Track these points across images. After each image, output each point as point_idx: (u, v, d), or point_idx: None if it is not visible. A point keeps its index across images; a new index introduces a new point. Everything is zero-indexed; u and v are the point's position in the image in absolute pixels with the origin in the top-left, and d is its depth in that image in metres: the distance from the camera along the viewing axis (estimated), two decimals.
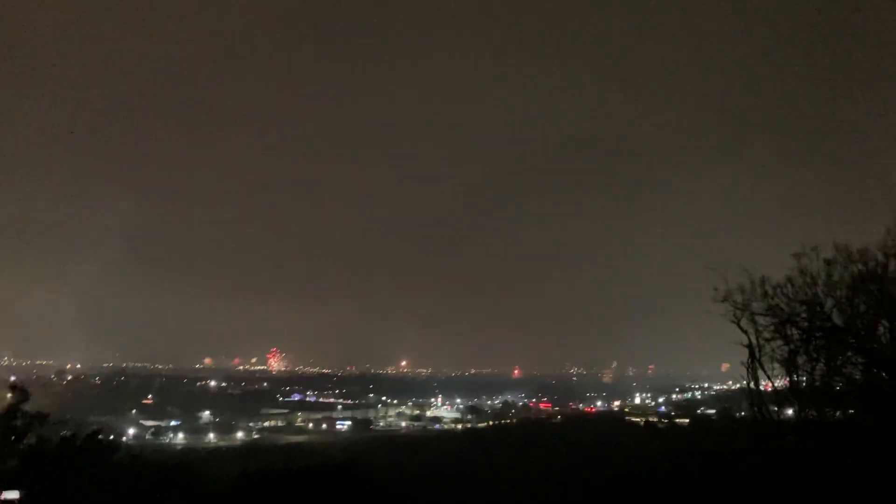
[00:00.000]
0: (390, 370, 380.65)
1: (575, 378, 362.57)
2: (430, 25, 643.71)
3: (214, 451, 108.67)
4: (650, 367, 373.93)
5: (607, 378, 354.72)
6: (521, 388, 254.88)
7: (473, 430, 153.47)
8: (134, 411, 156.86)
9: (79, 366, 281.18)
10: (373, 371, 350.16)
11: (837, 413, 23.15)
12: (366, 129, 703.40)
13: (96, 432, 30.81)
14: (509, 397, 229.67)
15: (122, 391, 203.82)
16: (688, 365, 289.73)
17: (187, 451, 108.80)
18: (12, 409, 25.44)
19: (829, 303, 22.02)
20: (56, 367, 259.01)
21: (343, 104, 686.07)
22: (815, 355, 22.27)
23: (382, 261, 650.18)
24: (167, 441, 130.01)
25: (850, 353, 21.88)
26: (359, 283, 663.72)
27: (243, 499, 30.80)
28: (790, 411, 23.88)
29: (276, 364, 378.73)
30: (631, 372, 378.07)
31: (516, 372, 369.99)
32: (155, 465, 34.01)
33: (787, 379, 22.95)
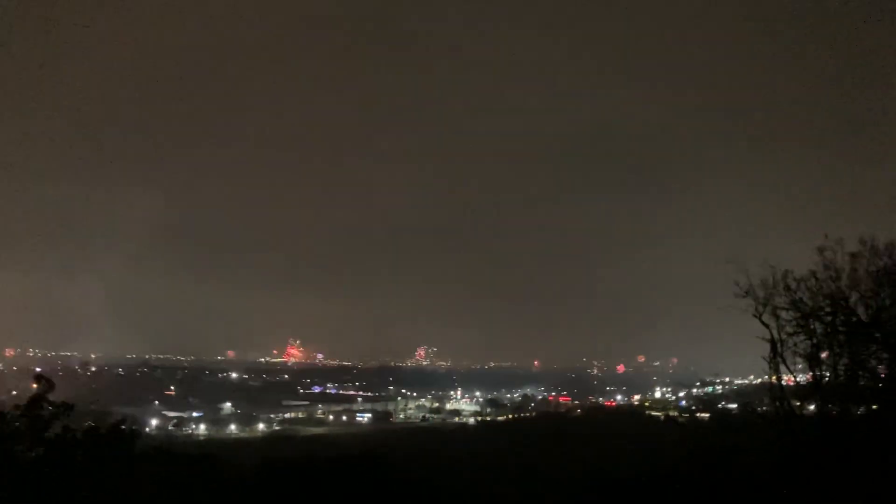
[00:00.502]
0: (410, 363, 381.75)
1: (595, 372, 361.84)
2: (453, 15, 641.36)
3: (236, 443, 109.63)
4: (671, 360, 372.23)
5: (627, 372, 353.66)
6: (540, 382, 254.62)
7: (493, 424, 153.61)
8: (156, 402, 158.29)
9: (102, 357, 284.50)
10: (392, 363, 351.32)
11: (861, 409, 22.94)
12: (389, 121, 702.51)
13: (120, 423, 31.08)
14: (529, 391, 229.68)
15: (144, 382, 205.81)
16: (708, 359, 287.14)
17: (209, 442, 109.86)
18: (38, 399, 25.76)
19: (854, 297, 21.80)
20: (80, 359, 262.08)
21: (366, 96, 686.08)
22: (838, 350, 22.08)
23: (402, 253, 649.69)
24: (189, 432, 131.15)
25: (874, 348, 21.68)
26: (379, 275, 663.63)
27: (265, 489, 31.07)
28: (813, 406, 23.69)
29: (296, 356, 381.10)
30: (651, 366, 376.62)
31: (536, 365, 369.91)
32: (177, 455, 34.30)
33: (810, 374, 22.77)
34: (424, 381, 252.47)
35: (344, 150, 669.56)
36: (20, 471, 23.93)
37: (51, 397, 26.23)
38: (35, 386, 26.73)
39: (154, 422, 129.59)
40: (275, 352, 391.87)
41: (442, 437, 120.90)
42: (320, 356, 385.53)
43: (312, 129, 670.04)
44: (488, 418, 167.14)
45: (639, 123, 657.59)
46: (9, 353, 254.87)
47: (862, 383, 22.05)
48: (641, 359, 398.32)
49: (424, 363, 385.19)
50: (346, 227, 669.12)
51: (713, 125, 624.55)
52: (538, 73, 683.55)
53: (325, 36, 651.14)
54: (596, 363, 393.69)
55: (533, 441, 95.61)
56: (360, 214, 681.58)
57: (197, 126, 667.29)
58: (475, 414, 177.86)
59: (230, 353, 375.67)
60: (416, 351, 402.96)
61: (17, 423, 25.21)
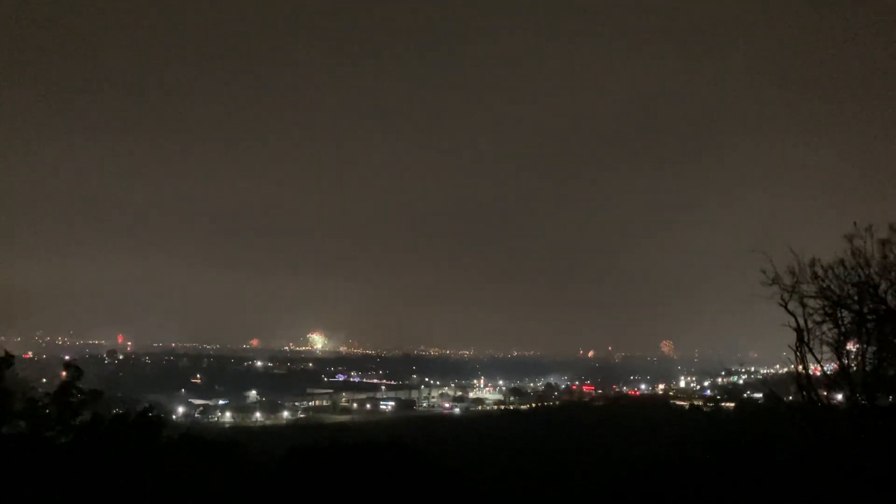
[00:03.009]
0: (433, 351, 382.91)
1: (619, 360, 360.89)
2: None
3: (262, 430, 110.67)
4: (696, 350, 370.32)
5: (652, 361, 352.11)
6: (564, 371, 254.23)
7: (516, 412, 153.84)
8: (183, 390, 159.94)
9: (130, 345, 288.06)
10: (416, 352, 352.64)
11: (890, 398, 22.65)
12: (415, 104, 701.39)
13: (147, 410, 31.41)
14: (552, 380, 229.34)
15: (171, 370, 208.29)
16: (734, 348, 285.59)
17: (235, 429, 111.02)
18: (67, 386, 26.11)
19: (884, 285, 21.46)
20: (108, 347, 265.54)
21: (392, 81, 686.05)
22: (867, 339, 21.75)
23: (427, 242, 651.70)
24: (215, 419, 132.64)
25: None
26: (404, 265, 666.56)
27: (291, 475, 31.32)
28: (840, 396, 23.41)
29: (320, 344, 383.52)
30: (676, 354, 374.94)
31: (560, 354, 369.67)
32: (204, 442, 34.65)
33: (837, 363, 22.47)
34: (448, 369, 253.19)
35: (371, 137, 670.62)
36: (51, 456, 24.30)
37: (80, 384, 26.57)
38: (64, 373, 27.09)
39: (181, 409, 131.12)
40: (300, 340, 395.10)
41: (466, 425, 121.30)
42: (344, 345, 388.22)
43: (337, 119, 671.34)
44: (511, 407, 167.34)
45: (664, 112, 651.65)
46: (36, 339, 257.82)
47: (891, 372, 21.73)
48: (666, 348, 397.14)
49: (447, 352, 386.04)
50: (369, 217, 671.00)
51: (741, 112, 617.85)
52: (573, 54, 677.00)
53: (348, 29, 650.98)
54: (620, 352, 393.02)
55: (556, 430, 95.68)
56: (385, 204, 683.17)
57: (222, 117, 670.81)
58: (498, 402, 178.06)
59: (254, 342, 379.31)
60: (440, 339, 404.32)
61: (47, 410, 25.58)
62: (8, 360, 24.92)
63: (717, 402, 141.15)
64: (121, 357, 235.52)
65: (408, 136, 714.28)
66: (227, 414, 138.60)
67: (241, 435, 78.09)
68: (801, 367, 22.72)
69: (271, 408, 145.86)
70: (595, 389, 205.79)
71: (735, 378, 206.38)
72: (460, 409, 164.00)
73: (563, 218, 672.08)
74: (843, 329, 21.94)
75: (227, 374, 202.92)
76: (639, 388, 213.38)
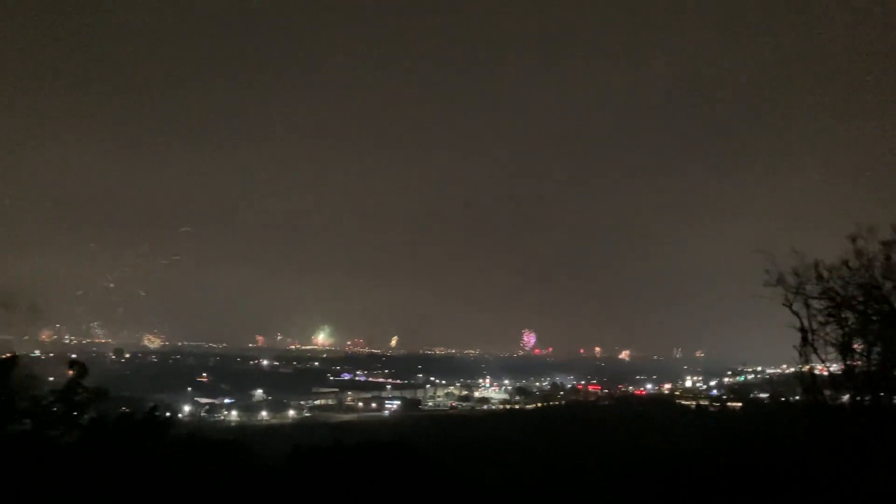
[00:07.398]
0: (438, 351, 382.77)
1: (625, 360, 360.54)
2: None
3: (267, 429, 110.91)
4: (702, 350, 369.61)
5: (658, 360, 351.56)
6: (569, 370, 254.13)
7: (522, 412, 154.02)
8: (189, 389, 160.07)
9: (136, 344, 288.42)
10: (421, 351, 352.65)
11: (895, 398, 22.62)
12: (422, 105, 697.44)
13: (153, 409, 31.47)
14: (558, 379, 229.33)
15: (177, 369, 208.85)
16: (740, 348, 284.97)
17: (241, 427, 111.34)
18: (73, 384, 26.13)
19: (888, 286, 21.46)
20: (114, 346, 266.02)
21: (394, 81, 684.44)
22: (871, 339, 21.75)
23: (433, 242, 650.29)
24: (221, 418, 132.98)
25: None
26: (410, 262, 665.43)
27: (297, 474, 31.40)
28: (845, 396, 23.40)
29: (326, 343, 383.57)
30: (682, 354, 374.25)
31: (565, 354, 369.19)
32: (210, 441, 34.75)
33: (842, 363, 22.46)
34: (453, 368, 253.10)
35: (378, 135, 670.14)
36: (55, 455, 24.33)
37: (85, 383, 26.56)
38: (70, 371, 27.08)
39: (187, 408, 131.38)
40: (306, 339, 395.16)
41: (471, 425, 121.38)
42: (350, 344, 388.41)
43: (346, 111, 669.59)
44: (517, 406, 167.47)
45: (664, 108, 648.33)
46: (44, 336, 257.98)
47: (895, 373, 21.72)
48: (673, 348, 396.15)
49: (453, 351, 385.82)
50: (376, 215, 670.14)
51: (743, 111, 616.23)
52: (588, 50, 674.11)
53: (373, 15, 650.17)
54: (626, 352, 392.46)
55: (562, 430, 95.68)
56: (392, 204, 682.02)
57: (230, 112, 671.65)
58: (504, 402, 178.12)
59: (261, 340, 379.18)
60: (445, 339, 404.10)
61: (53, 409, 25.60)
62: (10, 361, 25.10)
63: (722, 401, 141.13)
64: (127, 356, 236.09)
65: (417, 136, 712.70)
66: (233, 413, 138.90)
67: (246, 434, 78.38)
68: (806, 368, 22.74)
69: (277, 406, 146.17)
70: (601, 389, 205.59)
71: (741, 378, 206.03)
72: (466, 408, 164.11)
73: (569, 218, 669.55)
74: (847, 330, 21.94)
75: (232, 373, 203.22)
76: (645, 388, 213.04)
